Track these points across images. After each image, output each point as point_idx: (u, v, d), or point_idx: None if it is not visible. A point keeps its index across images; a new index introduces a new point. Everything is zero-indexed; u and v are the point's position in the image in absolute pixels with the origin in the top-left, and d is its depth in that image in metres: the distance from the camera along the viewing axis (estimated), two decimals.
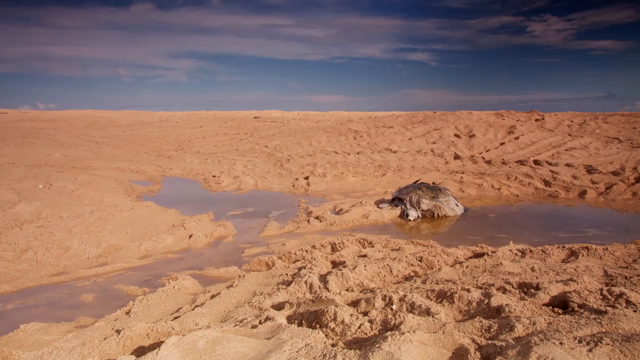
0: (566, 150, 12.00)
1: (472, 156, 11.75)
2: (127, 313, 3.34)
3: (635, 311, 2.35)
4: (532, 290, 2.87)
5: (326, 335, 2.48)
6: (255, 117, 34.74)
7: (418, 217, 6.69)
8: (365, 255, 4.47)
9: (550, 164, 10.21)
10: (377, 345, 2.06)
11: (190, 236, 5.48)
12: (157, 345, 2.42)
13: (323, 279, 3.59)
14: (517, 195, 8.11)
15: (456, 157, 11.82)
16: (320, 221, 6.18)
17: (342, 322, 2.54)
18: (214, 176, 10.51)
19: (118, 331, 2.58)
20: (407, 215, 6.66)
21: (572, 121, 16.99)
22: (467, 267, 3.78)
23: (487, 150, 12.82)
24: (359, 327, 2.49)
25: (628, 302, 2.48)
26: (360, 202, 7.24)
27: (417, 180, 7.99)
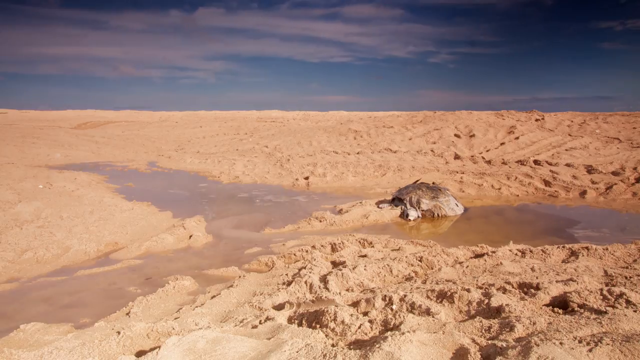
0: (566, 150, 12.00)
1: (472, 156, 11.75)
2: (127, 313, 3.34)
3: (635, 311, 2.35)
4: (532, 290, 2.87)
5: (326, 336, 2.48)
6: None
7: (418, 217, 6.69)
8: (365, 256, 4.47)
9: (550, 164, 10.21)
10: (377, 346, 2.06)
11: (191, 236, 5.48)
12: (157, 345, 2.42)
13: (323, 279, 3.59)
14: (517, 195, 8.11)
15: (456, 157, 11.82)
16: (320, 221, 6.18)
17: (342, 322, 2.54)
18: (214, 176, 10.52)
19: (118, 331, 2.58)
20: (407, 215, 6.66)
21: (572, 121, 17.00)
22: (467, 267, 3.78)
23: (487, 150, 12.82)
24: (359, 327, 2.49)
25: (628, 302, 2.48)
26: (360, 202, 7.24)
27: (417, 180, 7.99)
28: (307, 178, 9.86)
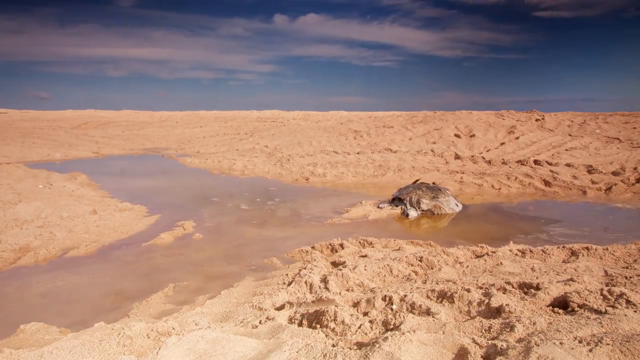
0: (566, 150, 12.00)
1: (472, 156, 11.75)
2: (127, 313, 3.34)
3: (635, 311, 2.35)
4: (533, 291, 2.87)
5: (326, 336, 2.48)
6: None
7: (418, 217, 6.69)
8: (365, 256, 4.47)
9: (550, 164, 10.21)
10: (377, 346, 2.06)
11: (191, 235, 5.48)
12: (157, 345, 2.42)
13: (323, 279, 3.59)
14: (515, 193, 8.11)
15: (456, 157, 11.81)
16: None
17: (343, 322, 2.54)
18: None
19: (118, 331, 2.58)
20: (408, 215, 6.66)
21: (572, 121, 17.00)
22: (467, 267, 3.77)
23: (488, 150, 12.82)
24: (359, 327, 2.49)
25: (628, 302, 2.48)
26: (360, 202, 7.24)
27: (417, 180, 7.99)
28: (307, 179, 9.88)
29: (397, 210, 6.83)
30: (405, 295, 2.80)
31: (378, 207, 7.02)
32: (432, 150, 12.82)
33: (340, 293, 3.19)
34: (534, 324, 2.29)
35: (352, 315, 2.64)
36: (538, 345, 1.95)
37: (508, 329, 2.27)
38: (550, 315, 2.53)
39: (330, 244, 4.87)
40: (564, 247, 4.10)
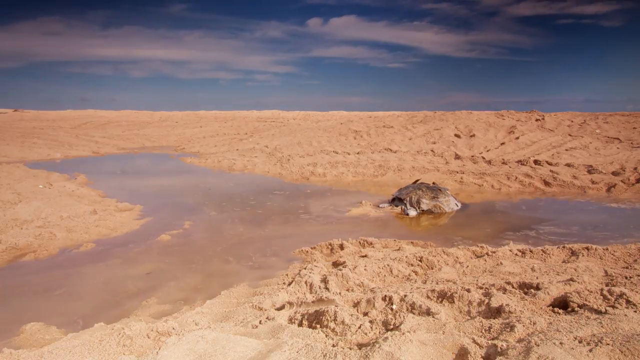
0: (566, 150, 12.00)
1: (472, 156, 11.75)
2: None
3: (635, 311, 2.35)
4: (533, 291, 2.87)
5: (326, 336, 2.48)
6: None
7: (418, 215, 6.69)
8: (365, 256, 4.47)
9: (550, 164, 10.21)
10: (377, 346, 2.06)
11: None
12: (157, 345, 2.42)
13: (323, 279, 3.59)
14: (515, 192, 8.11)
15: (456, 157, 11.81)
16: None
17: (343, 322, 2.54)
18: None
19: (118, 331, 2.58)
20: (408, 214, 6.66)
21: (572, 121, 17.00)
22: (467, 267, 3.77)
23: (488, 150, 12.82)
24: (359, 328, 2.49)
25: (628, 303, 2.48)
26: (360, 202, 7.24)
27: (417, 180, 7.99)
28: (307, 179, 9.89)
29: (397, 210, 6.83)
30: (405, 295, 2.80)
31: (378, 206, 7.02)
32: (432, 150, 12.82)
33: (340, 293, 3.19)
34: (534, 324, 2.29)
35: (352, 315, 2.64)
36: (538, 345, 1.95)
37: (508, 329, 2.27)
38: (550, 315, 2.53)
39: (330, 244, 4.87)
40: (564, 247, 4.10)
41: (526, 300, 2.75)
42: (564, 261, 3.86)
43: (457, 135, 14.94)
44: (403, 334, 2.14)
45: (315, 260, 4.36)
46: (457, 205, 7.09)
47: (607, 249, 3.94)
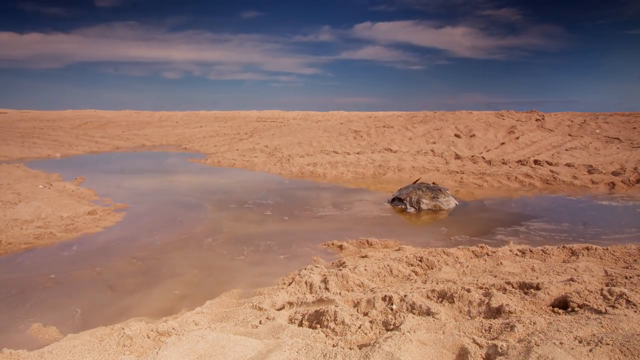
0: (566, 150, 12.00)
1: (472, 156, 11.75)
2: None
3: (635, 311, 2.35)
4: (533, 290, 2.87)
5: (326, 336, 2.48)
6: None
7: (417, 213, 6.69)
8: (365, 256, 4.47)
9: (550, 164, 10.21)
10: (377, 346, 2.06)
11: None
12: (157, 345, 2.42)
13: (323, 279, 3.59)
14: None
15: (456, 157, 11.81)
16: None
17: (343, 322, 2.54)
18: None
19: (118, 331, 2.58)
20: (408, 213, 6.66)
21: (572, 121, 16.99)
22: (467, 267, 3.77)
23: (488, 150, 12.82)
24: (359, 328, 2.49)
25: (628, 302, 2.47)
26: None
27: (417, 180, 7.99)
28: (307, 178, 9.88)
29: (397, 210, 6.83)
30: (405, 295, 2.80)
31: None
32: (432, 150, 12.82)
33: (340, 293, 3.19)
34: (534, 324, 2.29)
35: (352, 315, 2.64)
36: (538, 345, 1.95)
37: (508, 329, 2.27)
38: (550, 315, 2.53)
39: (331, 244, 4.87)
40: (564, 247, 4.10)
41: (526, 300, 2.75)
42: (564, 261, 3.86)
43: (457, 135, 14.94)
44: (403, 334, 2.14)
45: (315, 260, 4.36)
46: (458, 205, 7.09)
47: (607, 249, 3.94)
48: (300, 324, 2.71)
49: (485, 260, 3.86)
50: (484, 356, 2.02)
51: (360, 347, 2.23)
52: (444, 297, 2.83)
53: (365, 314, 2.72)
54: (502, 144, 13.44)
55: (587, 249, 3.98)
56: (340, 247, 4.83)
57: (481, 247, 4.35)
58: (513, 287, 2.96)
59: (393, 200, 7.29)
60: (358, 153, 12.84)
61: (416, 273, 3.81)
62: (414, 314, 2.61)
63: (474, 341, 2.14)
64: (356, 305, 2.90)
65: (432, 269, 3.88)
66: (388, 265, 3.84)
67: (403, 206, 6.93)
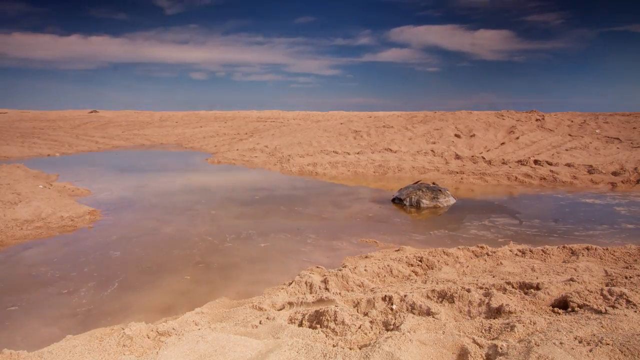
0: (566, 150, 12.00)
1: (472, 156, 11.75)
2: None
3: (635, 311, 2.35)
4: (533, 291, 2.87)
5: (326, 336, 2.47)
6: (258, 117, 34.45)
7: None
8: (365, 256, 4.47)
9: (550, 163, 10.20)
10: (377, 346, 2.06)
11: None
12: (157, 345, 2.42)
13: (323, 279, 3.59)
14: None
15: (456, 157, 11.81)
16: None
17: (343, 322, 2.54)
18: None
19: (118, 331, 2.58)
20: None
21: (572, 121, 16.99)
22: (467, 267, 3.77)
23: (488, 150, 12.82)
24: (360, 328, 2.49)
25: (628, 303, 2.47)
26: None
27: (418, 181, 7.99)
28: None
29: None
30: (405, 295, 2.80)
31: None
32: (432, 150, 12.82)
33: (340, 293, 3.19)
34: (534, 324, 2.29)
35: (352, 315, 2.64)
36: (538, 345, 1.95)
37: (508, 329, 2.27)
38: (550, 315, 2.53)
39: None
40: (564, 247, 4.10)
41: (526, 300, 2.75)
42: (564, 261, 3.86)
43: (457, 135, 14.94)
44: (403, 334, 2.14)
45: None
46: (455, 202, 7.09)
47: (607, 249, 3.94)
48: (300, 324, 2.71)
49: (485, 260, 3.86)
50: (484, 356, 2.02)
51: (360, 347, 2.23)
52: (444, 297, 2.83)
53: (365, 314, 2.72)
54: (502, 144, 13.44)
55: (587, 249, 3.98)
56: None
57: (481, 247, 4.35)
58: (513, 287, 2.96)
59: (393, 200, 7.29)
60: (358, 153, 12.84)
61: (416, 273, 3.82)
62: (414, 314, 2.61)
63: (474, 341, 2.14)
64: (356, 305, 2.90)
65: (432, 269, 3.88)
66: (388, 266, 3.84)
67: (403, 206, 6.93)
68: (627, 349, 1.91)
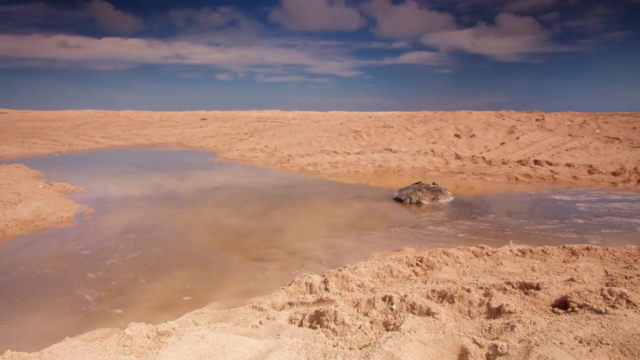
0: (566, 150, 12.00)
1: (472, 156, 11.75)
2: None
3: (635, 311, 2.35)
4: (533, 291, 2.87)
5: (326, 336, 2.47)
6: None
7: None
8: (365, 257, 4.47)
9: (550, 164, 10.21)
10: (377, 346, 2.06)
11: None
12: (157, 345, 2.42)
13: (323, 279, 3.59)
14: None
15: (456, 157, 11.81)
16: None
17: (343, 322, 2.54)
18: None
19: (118, 331, 2.58)
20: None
21: (572, 121, 16.99)
22: (467, 267, 3.77)
23: (488, 150, 12.82)
24: (360, 328, 2.49)
25: (628, 303, 2.47)
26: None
27: (419, 182, 7.99)
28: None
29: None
30: (405, 296, 2.80)
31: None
32: (432, 151, 12.82)
33: (340, 293, 3.19)
34: (534, 324, 2.29)
35: (352, 315, 2.64)
36: (538, 346, 1.95)
37: (508, 329, 2.27)
38: (550, 315, 2.53)
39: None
40: (564, 247, 4.10)
41: (526, 300, 2.75)
42: (564, 261, 3.86)
43: (457, 135, 14.94)
44: (403, 334, 2.14)
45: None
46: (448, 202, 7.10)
47: (607, 249, 3.94)
48: (301, 324, 2.71)
49: (485, 261, 3.86)
50: (484, 356, 2.02)
51: (360, 347, 2.23)
52: (444, 297, 2.83)
53: (366, 314, 2.72)
54: (502, 144, 13.44)
55: (587, 249, 3.98)
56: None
57: (481, 247, 4.35)
58: (513, 287, 2.96)
59: (394, 200, 7.29)
60: (358, 153, 12.84)
61: (416, 273, 3.82)
62: (414, 314, 2.61)
63: (474, 341, 2.14)
64: (356, 305, 2.90)
65: (432, 269, 3.88)
66: (388, 266, 3.85)
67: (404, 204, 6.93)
68: (627, 349, 1.91)
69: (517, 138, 13.81)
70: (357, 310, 2.82)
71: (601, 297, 2.61)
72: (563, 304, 2.69)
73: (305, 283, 3.52)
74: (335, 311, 2.63)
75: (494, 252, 4.04)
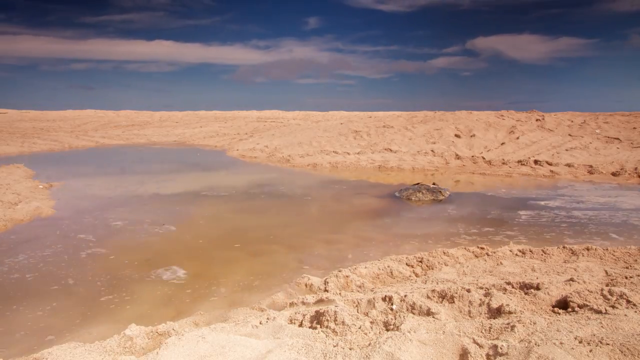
0: (566, 150, 12.00)
1: (472, 156, 11.75)
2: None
3: (635, 311, 2.35)
4: (533, 291, 2.87)
5: (326, 336, 2.47)
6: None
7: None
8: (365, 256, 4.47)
9: (550, 164, 10.21)
10: (377, 346, 2.06)
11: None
12: (157, 345, 2.42)
13: (323, 279, 3.59)
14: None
15: (456, 157, 11.81)
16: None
17: (343, 322, 2.54)
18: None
19: (118, 331, 2.58)
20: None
21: (572, 121, 16.99)
22: (467, 267, 3.77)
23: (488, 150, 12.82)
24: (360, 328, 2.49)
25: (628, 303, 2.47)
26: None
27: (419, 183, 7.99)
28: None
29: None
30: (405, 296, 2.80)
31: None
32: (432, 151, 12.82)
33: (340, 293, 3.19)
34: (535, 324, 2.29)
35: (352, 315, 2.64)
36: (538, 346, 1.95)
37: (508, 329, 2.27)
38: (550, 316, 2.53)
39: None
40: (564, 247, 4.10)
41: (526, 300, 2.75)
42: (564, 261, 3.86)
43: (457, 136, 14.94)
44: (403, 334, 2.14)
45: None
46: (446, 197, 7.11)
47: (607, 249, 3.94)
48: (301, 324, 2.71)
49: (485, 261, 3.86)
50: (484, 356, 2.02)
51: (360, 347, 2.23)
52: (444, 297, 2.83)
53: (366, 314, 2.72)
54: (502, 144, 13.44)
55: (587, 249, 3.98)
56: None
57: (481, 247, 4.35)
58: (513, 287, 2.96)
59: (393, 200, 7.29)
60: (358, 153, 12.84)
61: (416, 274, 3.81)
62: (414, 314, 2.61)
63: (474, 341, 2.14)
64: (356, 305, 2.90)
65: (432, 269, 3.88)
66: (388, 266, 3.84)
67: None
68: (627, 349, 1.91)
69: (517, 138, 13.81)
70: (357, 310, 2.82)
71: (601, 297, 2.61)
72: (563, 304, 2.69)
73: (305, 283, 3.52)
74: (335, 311, 2.63)
75: (494, 252, 4.04)
